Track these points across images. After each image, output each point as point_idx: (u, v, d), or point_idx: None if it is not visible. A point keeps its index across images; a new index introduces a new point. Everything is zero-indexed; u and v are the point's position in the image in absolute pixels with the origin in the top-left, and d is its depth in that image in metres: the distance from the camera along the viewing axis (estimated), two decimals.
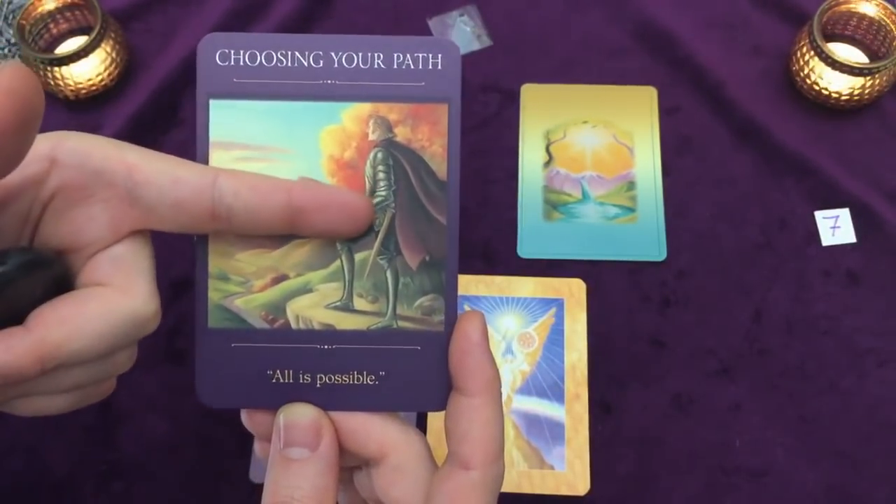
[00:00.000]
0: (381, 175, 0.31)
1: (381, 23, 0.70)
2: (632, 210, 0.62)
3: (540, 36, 0.69)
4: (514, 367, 0.58)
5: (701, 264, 0.61)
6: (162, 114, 0.67)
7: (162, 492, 0.55)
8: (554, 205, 0.63)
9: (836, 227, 0.61)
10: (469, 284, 0.60)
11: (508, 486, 0.54)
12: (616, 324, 0.59)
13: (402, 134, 0.31)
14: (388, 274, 0.31)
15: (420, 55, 0.31)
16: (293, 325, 0.31)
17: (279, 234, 0.30)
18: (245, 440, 0.56)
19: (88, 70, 0.64)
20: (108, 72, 0.65)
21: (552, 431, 0.55)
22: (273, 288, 0.31)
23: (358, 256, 0.31)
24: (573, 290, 0.59)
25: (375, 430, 0.30)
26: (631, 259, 0.61)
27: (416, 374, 0.31)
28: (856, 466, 0.55)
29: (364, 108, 0.31)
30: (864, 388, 0.57)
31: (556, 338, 0.58)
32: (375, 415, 0.30)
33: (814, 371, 0.57)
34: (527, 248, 0.61)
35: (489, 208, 0.63)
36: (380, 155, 0.31)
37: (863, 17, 0.65)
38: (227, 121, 0.31)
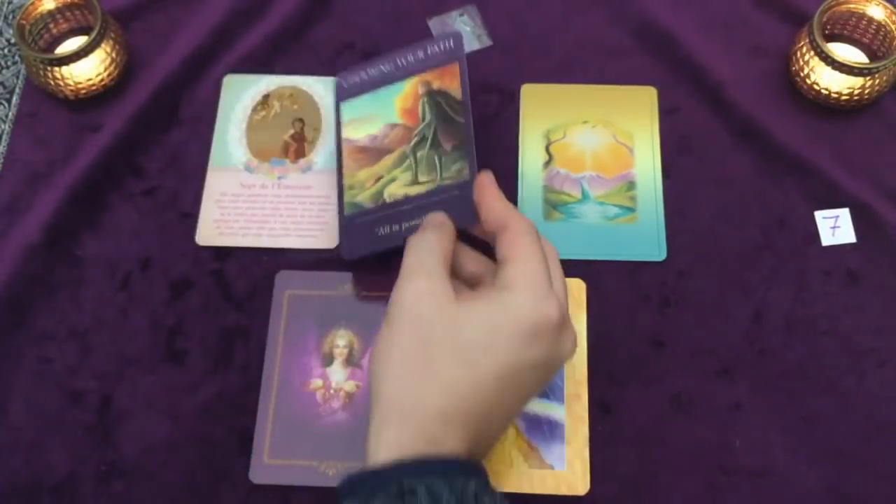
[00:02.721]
0: (427, 108, 0.59)
1: (381, 23, 0.69)
2: (632, 210, 0.62)
3: (540, 36, 0.69)
4: None
5: (701, 264, 0.61)
6: (162, 114, 0.67)
7: (162, 492, 0.55)
8: (554, 205, 0.63)
9: (835, 227, 0.61)
10: None
11: (508, 486, 0.54)
12: (616, 324, 0.59)
13: (436, 84, 0.60)
14: (436, 158, 0.57)
15: (440, 42, 0.61)
16: (388, 201, 0.57)
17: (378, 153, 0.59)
18: (245, 440, 0.56)
19: (88, 70, 0.65)
20: (108, 72, 0.65)
21: (552, 431, 0.56)
22: (375, 184, 0.58)
23: (419, 154, 0.58)
24: (573, 291, 0.59)
25: (495, 210, 0.50)
26: (631, 259, 0.61)
27: (457, 206, 0.53)
28: (856, 466, 0.55)
29: (415, 79, 0.61)
30: (864, 388, 0.57)
31: None
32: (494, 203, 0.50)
33: (814, 371, 0.57)
34: None
35: None
36: (426, 98, 0.59)
37: (862, 16, 0.65)
38: (349, 109, 0.62)
